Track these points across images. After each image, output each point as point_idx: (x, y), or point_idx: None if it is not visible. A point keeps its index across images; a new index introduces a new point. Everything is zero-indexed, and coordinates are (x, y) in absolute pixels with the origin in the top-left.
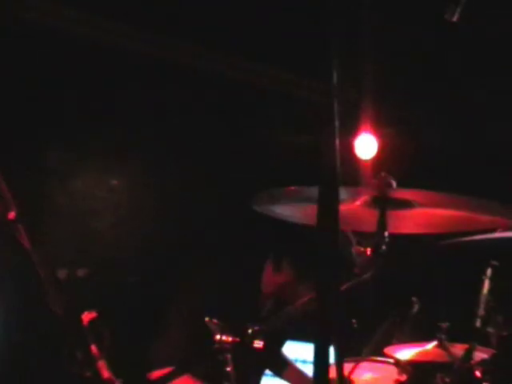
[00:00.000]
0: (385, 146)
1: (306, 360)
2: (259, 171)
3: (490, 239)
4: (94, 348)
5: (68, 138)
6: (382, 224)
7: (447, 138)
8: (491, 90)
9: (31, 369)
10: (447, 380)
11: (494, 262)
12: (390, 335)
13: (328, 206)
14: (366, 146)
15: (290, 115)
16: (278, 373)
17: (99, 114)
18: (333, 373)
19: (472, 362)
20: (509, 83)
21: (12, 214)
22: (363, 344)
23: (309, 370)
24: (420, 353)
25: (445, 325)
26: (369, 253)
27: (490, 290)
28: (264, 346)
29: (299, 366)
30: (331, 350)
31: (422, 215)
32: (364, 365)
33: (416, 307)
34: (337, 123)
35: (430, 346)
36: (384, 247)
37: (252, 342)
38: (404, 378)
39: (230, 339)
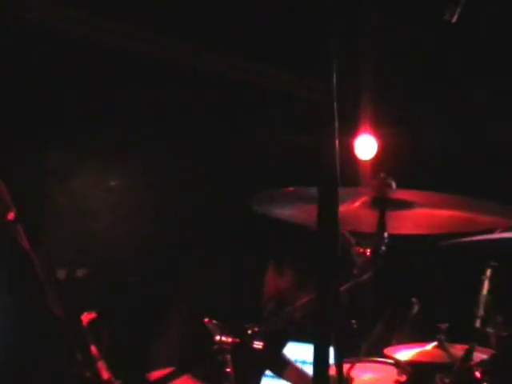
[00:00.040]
0: (384, 147)
1: (305, 360)
2: (259, 171)
3: (489, 239)
4: (93, 348)
5: (68, 138)
6: (382, 225)
7: (447, 138)
8: (491, 90)
9: (31, 369)
10: (447, 381)
11: (494, 263)
12: (388, 334)
13: (328, 206)
14: (365, 146)
15: (289, 115)
16: (278, 373)
17: (99, 114)
18: (332, 371)
19: (472, 362)
20: (509, 83)
21: (11, 215)
22: (362, 343)
23: (308, 370)
24: (420, 353)
25: (444, 325)
26: (368, 253)
27: (490, 291)
28: (264, 346)
29: (298, 364)
30: (331, 350)
31: (421, 216)
32: (364, 365)
33: (416, 308)
34: (336, 123)
35: (430, 346)
36: (383, 248)
37: (252, 343)
38: (404, 378)
39: (230, 340)
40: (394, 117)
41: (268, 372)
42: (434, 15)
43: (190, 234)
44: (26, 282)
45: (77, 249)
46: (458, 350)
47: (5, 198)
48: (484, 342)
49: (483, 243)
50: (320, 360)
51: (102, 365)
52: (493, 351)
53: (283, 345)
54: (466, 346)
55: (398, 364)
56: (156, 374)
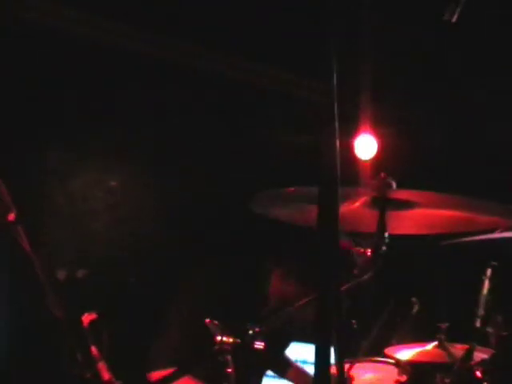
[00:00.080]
0: (384, 147)
1: (306, 360)
2: (259, 171)
3: (489, 239)
4: (94, 349)
5: (68, 138)
6: (382, 225)
7: (447, 138)
8: (491, 90)
9: (32, 370)
10: (447, 380)
11: (494, 263)
12: (389, 334)
13: (328, 206)
14: (365, 146)
15: (289, 115)
16: (280, 373)
17: (99, 114)
18: (333, 371)
19: (472, 362)
20: (509, 83)
21: (12, 216)
22: (362, 343)
23: (309, 370)
24: (420, 353)
25: (445, 325)
26: (369, 254)
27: (490, 290)
28: (265, 346)
29: (299, 365)
30: (331, 350)
31: (421, 216)
32: (364, 365)
33: (416, 307)
34: (337, 123)
35: (430, 346)
36: (384, 248)
37: (253, 343)
38: (404, 378)
39: (231, 340)
40: (393, 117)
41: (269, 372)
42: (433, 15)
43: (189, 234)
44: (27, 282)
45: (77, 249)
46: (459, 349)
47: (5, 199)
48: (484, 341)
49: (483, 243)
50: (321, 360)
51: (102, 365)
52: (493, 351)
53: (285, 345)
54: (467, 346)
55: (398, 364)
56: (156, 375)
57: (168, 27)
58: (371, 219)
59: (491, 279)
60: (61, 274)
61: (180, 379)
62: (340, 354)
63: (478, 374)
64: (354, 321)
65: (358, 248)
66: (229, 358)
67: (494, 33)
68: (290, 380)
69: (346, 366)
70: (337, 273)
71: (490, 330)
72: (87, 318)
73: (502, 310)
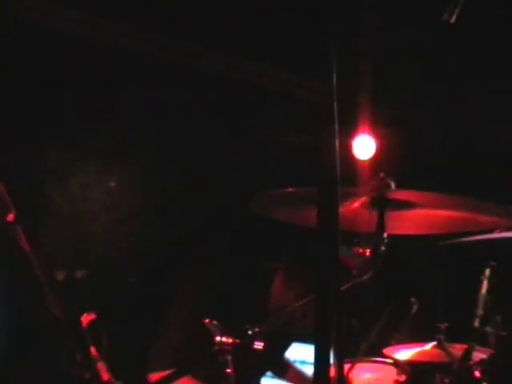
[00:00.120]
0: (383, 147)
1: (304, 361)
2: (259, 171)
3: (488, 239)
4: (93, 350)
5: (68, 138)
6: (381, 225)
7: (447, 138)
8: (491, 90)
9: (31, 371)
10: (446, 380)
11: (493, 263)
12: (388, 334)
13: (328, 206)
14: (363, 146)
15: (289, 115)
16: (279, 374)
17: (99, 113)
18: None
19: (471, 362)
20: (509, 83)
21: (11, 216)
22: (362, 343)
23: (308, 370)
24: (419, 353)
25: (444, 325)
26: (368, 254)
27: (489, 290)
28: (264, 347)
29: (298, 366)
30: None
31: (420, 216)
32: (363, 365)
33: (415, 308)
34: (336, 124)
35: (429, 346)
36: (383, 248)
37: (252, 344)
38: (403, 378)
39: (230, 341)
40: (392, 117)
41: (268, 373)
42: (433, 15)
43: (189, 233)
44: (25, 283)
45: (76, 249)
46: (457, 349)
47: (4, 199)
48: (483, 341)
49: (482, 243)
50: (321, 360)
51: (101, 366)
52: (492, 351)
53: (285, 346)
54: (465, 346)
55: (397, 364)
56: (155, 376)
57: (168, 27)
58: (370, 219)
59: (490, 279)
60: (60, 275)
61: (179, 380)
62: (340, 354)
63: (477, 373)
64: (354, 321)
65: (357, 248)
66: (228, 358)
67: (493, 33)
68: (288, 382)
69: (346, 367)
70: (337, 273)
71: (488, 329)
72: (86, 318)
73: (500, 310)
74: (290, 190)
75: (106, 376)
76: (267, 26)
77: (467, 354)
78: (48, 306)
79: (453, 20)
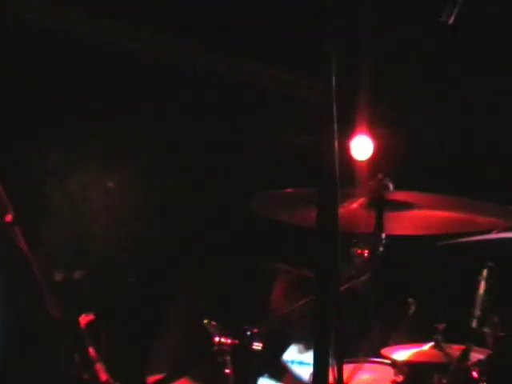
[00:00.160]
0: (381, 147)
1: (302, 361)
2: (259, 171)
3: (486, 240)
4: (91, 350)
5: (68, 138)
6: (379, 226)
7: (445, 139)
8: (491, 90)
9: (29, 371)
10: (444, 381)
11: (490, 263)
12: (386, 334)
13: (327, 206)
14: (361, 147)
15: (289, 115)
16: (276, 377)
17: (99, 113)
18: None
19: (468, 362)
20: (509, 83)
21: (9, 217)
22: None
23: (305, 371)
24: (417, 353)
25: (441, 325)
26: (366, 254)
27: (486, 291)
28: (263, 347)
29: (296, 368)
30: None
31: (419, 217)
32: (361, 365)
33: (412, 308)
34: (336, 124)
35: (427, 346)
36: (381, 249)
37: (251, 344)
38: (401, 378)
39: (229, 341)
40: (392, 117)
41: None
42: (433, 15)
43: (189, 233)
44: (24, 283)
45: (76, 249)
46: (455, 350)
47: (2, 200)
48: (481, 342)
49: (480, 244)
50: (320, 361)
51: (100, 366)
52: (489, 351)
53: (284, 348)
54: (463, 346)
55: (394, 364)
56: (153, 379)
57: (168, 27)
58: (369, 220)
59: (488, 280)
60: (58, 275)
61: (178, 381)
62: (339, 354)
63: (475, 374)
64: (353, 321)
65: (355, 249)
66: (227, 358)
67: (493, 33)
68: None
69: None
70: (336, 273)
71: (486, 330)
72: (84, 318)
73: (498, 311)
74: (289, 190)
75: (104, 376)
76: (267, 26)
77: (465, 354)
78: (46, 306)
79: (451, 21)
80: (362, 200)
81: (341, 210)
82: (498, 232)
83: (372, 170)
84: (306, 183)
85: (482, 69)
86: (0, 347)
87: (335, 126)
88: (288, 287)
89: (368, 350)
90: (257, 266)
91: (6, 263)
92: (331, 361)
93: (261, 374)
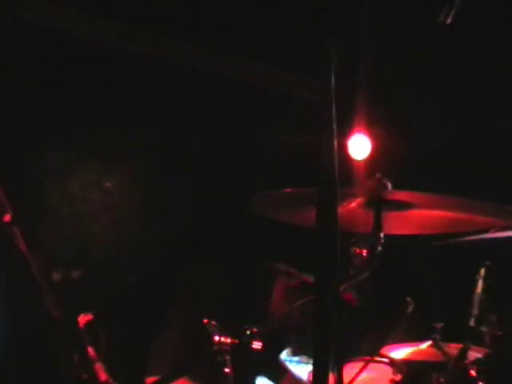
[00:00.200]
0: (379, 147)
1: (299, 360)
2: (259, 171)
3: (483, 239)
4: (90, 350)
5: (68, 138)
6: (378, 225)
7: (443, 138)
8: (491, 90)
9: (29, 371)
10: (442, 379)
11: (488, 262)
12: (384, 334)
13: (327, 206)
14: (359, 146)
15: (289, 115)
16: (274, 378)
17: (99, 113)
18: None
19: (466, 361)
20: (509, 83)
21: (7, 217)
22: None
23: (303, 371)
24: (415, 352)
25: (439, 325)
26: (365, 254)
27: (484, 290)
28: (263, 347)
29: (294, 367)
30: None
31: (417, 216)
32: (358, 364)
33: (410, 307)
34: (335, 124)
35: (425, 345)
36: (380, 248)
37: (251, 344)
38: (399, 377)
39: (229, 340)
40: (392, 117)
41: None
42: (433, 15)
43: (190, 233)
44: (24, 283)
45: (76, 249)
46: (453, 348)
47: (1, 200)
48: (478, 340)
49: (477, 243)
50: (320, 361)
51: (99, 366)
52: (487, 350)
53: (282, 348)
54: (461, 345)
55: (393, 363)
56: (151, 379)
57: (168, 27)
58: (367, 220)
59: (485, 279)
60: (56, 275)
61: (177, 381)
62: (339, 354)
63: (473, 372)
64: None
65: (354, 248)
66: (227, 358)
67: (493, 33)
68: None
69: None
70: (336, 273)
71: (484, 329)
72: (83, 318)
73: (496, 310)
74: (289, 190)
75: (103, 376)
76: (267, 26)
77: (463, 353)
78: (46, 306)
79: (449, 21)
80: (360, 199)
81: (339, 210)
82: (496, 231)
83: (371, 170)
84: (306, 183)
85: (482, 69)
86: (0, 347)
87: (335, 126)
88: (287, 289)
89: (366, 349)
90: (257, 266)
91: (5, 263)
92: (331, 363)
93: (259, 374)
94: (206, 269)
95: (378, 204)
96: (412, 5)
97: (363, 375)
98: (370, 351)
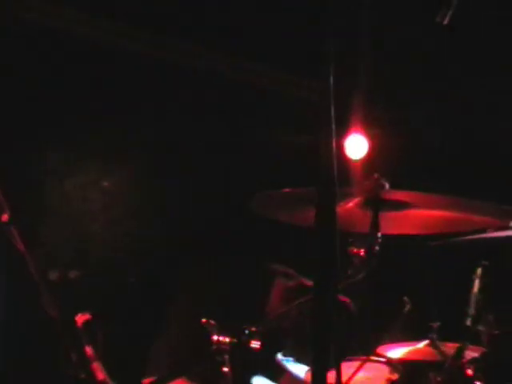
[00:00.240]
0: (382, 147)
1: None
2: (259, 171)
3: (480, 239)
4: (88, 349)
5: (68, 138)
6: (375, 225)
7: (447, 138)
8: (491, 90)
9: (27, 370)
10: (439, 378)
11: (485, 262)
12: (381, 334)
13: (326, 206)
14: (356, 146)
15: (289, 115)
16: (272, 378)
17: (99, 113)
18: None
19: (463, 360)
20: (509, 83)
21: (5, 217)
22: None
23: (300, 369)
24: (412, 351)
25: (436, 324)
26: (362, 254)
27: (481, 290)
28: (261, 346)
29: (291, 366)
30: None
31: (415, 216)
32: (355, 364)
33: (407, 307)
34: (334, 124)
35: (422, 344)
36: (377, 248)
37: (249, 343)
38: (396, 376)
39: (228, 340)
40: (391, 117)
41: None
42: (433, 15)
43: (189, 233)
44: (23, 283)
45: (77, 249)
46: (450, 348)
47: None
48: (475, 340)
49: (474, 242)
50: (319, 361)
51: (97, 365)
52: (484, 349)
53: (280, 347)
54: (458, 344)
55: (390, 362)
56: (148, 380)
57: (168, 27)
58: (364, 220)
59: (482, 278)
60: (53, 275)
61: (174, 381)
62: (339, 354)
63: (469, 371)
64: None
65: (351, 248)
66: (226, 357)
67: (493, 33)
68: None
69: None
70: (335, 273)
71: (480, 328)
72: (81, 318)
73: (492, 309)
74: (287, 190)
75: (101, 376)
76: (267, 26)
77: (459, 352)
78: (44, 305)
79: (446, 22)
80: (357, 199)
81: (337, 210)
82: (492, 231)
83: (369, 170)
84: (306, 183)
85: (482, 69)
86: (0, 347)
87: (333, 126)
88: (285, 290)
89: (364, 348)
90: (256, 266)
91: (5, 263)
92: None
93: (257, 373)
94: (206, 269)
95: (376, 204)
96: (412, 5)
97: (360, 374)
98: (367, 350)
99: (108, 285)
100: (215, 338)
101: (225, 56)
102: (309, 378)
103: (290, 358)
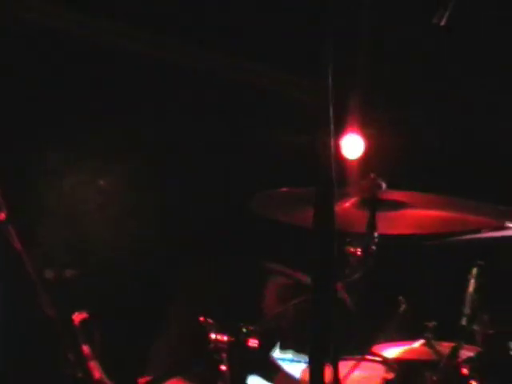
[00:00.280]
0: (382, 147)
1: (292, 359)
2: (259, 171)
3: (476, 239)
4: (85, 348)
5: (68, 138)
6: (372, 225)
7: (446, 138)
8: (491, 90)
9: (28, 370)
10: (434, 378)
11: (480, 262)
12: (377, 333)
13: (324, 206)
14: (352, 145)
15: (289, 115)
16: (267, 377)
17: (99, 113)
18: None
19: (458, 359)
20: (509, 83)
21: (2, 216)
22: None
23: (296, 368)
24: (407, 351)
25: (431, 323)
26: (359, 253)
27: (476, 289)
28: (259, 344)
29: (287, 365)
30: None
31: (411, 216)
32: (351, 363)
33: (403, 306)
34: (332, 124)
35: (417, 344)
36: (374, 248)
37: (247, 341)
38: (391, 376)
39: (225, 338)
40: (391, 117)
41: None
42: (433, 15)
43: (189, 233)
44: (21, 282)
45: (76, 249)
46: (445, 347)
47: None
48: (470, 339)
49: (470, 242)
50: (316, 360)
51: (93, 364)
52: (479, 349)
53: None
54: (453, 344)
55: (385, 362)
56: (144, 379)
57: (168, 27)
58: (361, 219)
59: (477, 278)
60: (49, 274)
61: (170, 380)
62: (336, 353)
63: (465, 371)
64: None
65: (348, 248)
66: (223, 355)
67: (493, 33)
68: None
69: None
70: (334, 273)
71: (476, 328)
72: (77, 317)
73: (488, 309)
74: (285, 189)
75: (97, 375)
76: (267, 25)
77: (455, 351)
78: (41, 305)
79: (443, 23)
80: (354, 199)
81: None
82: (488, 231)
83: (367, 170)
84: (306, 183)
85: (482, 69)
86: (0, 347)
87: (331, 126)
88: (281, 289)
89: (359, 347)
90: (252, 265)
91: (3, 262)
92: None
93: (252, 373)
94: (206, 269)
95: (373, 204)
96: (412, 5)
97: (356, 374)
98: (362, 349)
99: (107, 284)
100: (213, 336)
101: (225, 56)
102: (304, 377)
103: (289, 351)
